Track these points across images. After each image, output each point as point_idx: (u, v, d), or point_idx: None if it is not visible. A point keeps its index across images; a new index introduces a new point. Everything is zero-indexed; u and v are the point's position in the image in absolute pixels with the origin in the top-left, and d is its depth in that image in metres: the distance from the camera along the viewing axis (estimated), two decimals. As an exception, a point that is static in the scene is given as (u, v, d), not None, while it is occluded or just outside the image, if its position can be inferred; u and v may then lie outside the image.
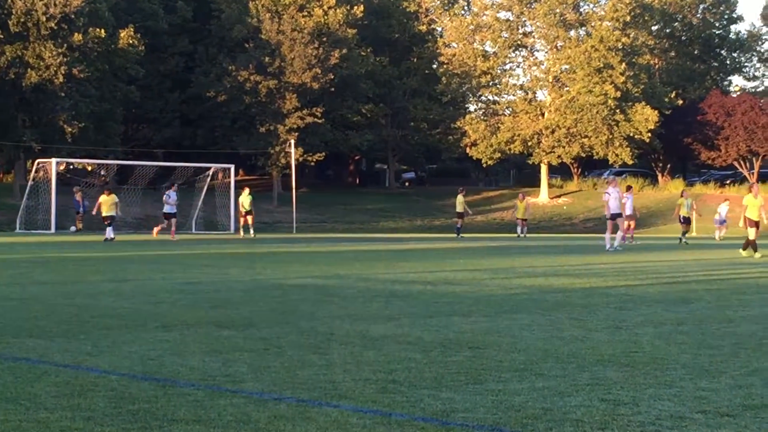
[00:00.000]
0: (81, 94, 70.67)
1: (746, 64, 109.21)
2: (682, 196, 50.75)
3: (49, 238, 48.24)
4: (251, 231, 52.30)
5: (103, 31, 71.38)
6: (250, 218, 52.56)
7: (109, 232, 44.56)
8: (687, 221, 49.27)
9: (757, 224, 34.70)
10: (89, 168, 75.13)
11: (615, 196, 38.04)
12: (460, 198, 56.91)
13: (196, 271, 25.37)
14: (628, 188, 50.20)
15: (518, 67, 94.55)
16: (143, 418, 6.95)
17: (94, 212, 49.74)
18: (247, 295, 17.75)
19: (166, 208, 48.84)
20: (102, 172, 68.45)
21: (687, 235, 49.57)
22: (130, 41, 76.06)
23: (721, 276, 25.03)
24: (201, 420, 6.87)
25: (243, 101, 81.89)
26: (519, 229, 58.54)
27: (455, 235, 55.81)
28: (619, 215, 38.72)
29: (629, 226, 46.53)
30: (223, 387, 8.13)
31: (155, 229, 50.11)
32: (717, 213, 58.79)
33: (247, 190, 56.22)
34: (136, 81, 79.37)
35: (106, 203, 46.52)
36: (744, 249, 34.28)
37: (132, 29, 76.29)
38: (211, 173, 69.43)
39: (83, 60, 70.74)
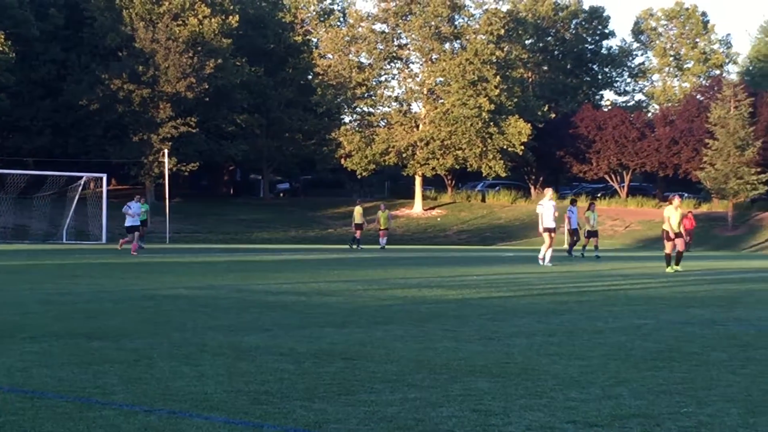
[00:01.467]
0: (-52, 101, 69.66)
1: (617, 78, 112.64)
2: (589, 209, 48.59)
3: None
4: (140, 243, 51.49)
5: (-29, 38, 70.62)
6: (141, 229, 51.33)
7: None
8: (593, 234, 47.59)
9: (678, 235, 34.71)
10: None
11: (549, 209, 37.05)
12: (358, 209, 57.32)
13: (66, 281, 24.75)
14: (573, 202, 50.82)
15: (393, 78, 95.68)
16: (10, 431, 6.81)
17: None
18: (118, 305, 17.54)
19: (128, 221, 46.01)
20: None
21: (585, 247, 49.11)
22: (0, 48, 74.78)
23: (591, 288, 25.59)
24: (70, 432, 6.77)
25: (116, 110, 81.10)
26: (381, 240, 59.26)
27: (354, 246, 56.18)
28: (554, 229, 37.36)
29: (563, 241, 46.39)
30: (92, 399, 8.00)
31: (121, 241, 47.75)
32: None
33: (141, 201, 53.85)
34: (7, 89, 77.97)
35: None
36: (676, 264, 34.06)
37: (2, 36, 75.03)
38: (82, 183, 68.16)
39: (-49, 66, 69.88)
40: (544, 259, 35.96)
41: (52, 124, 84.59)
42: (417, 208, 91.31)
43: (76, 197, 67.25)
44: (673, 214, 34.38)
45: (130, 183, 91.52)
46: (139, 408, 7.66)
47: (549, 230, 36.56)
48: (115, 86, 78.97)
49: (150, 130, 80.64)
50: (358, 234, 57.63)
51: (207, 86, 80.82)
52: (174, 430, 6.93)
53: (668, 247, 34.62)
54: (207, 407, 7.73)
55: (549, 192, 39.61)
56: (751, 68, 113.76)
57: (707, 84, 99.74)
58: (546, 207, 36.83)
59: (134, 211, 45.75)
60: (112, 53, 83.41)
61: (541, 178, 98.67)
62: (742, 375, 10.33)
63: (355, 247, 55.77)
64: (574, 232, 45.79)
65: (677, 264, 33.77)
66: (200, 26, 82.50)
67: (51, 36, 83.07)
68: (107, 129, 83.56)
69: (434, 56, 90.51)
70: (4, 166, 73.94)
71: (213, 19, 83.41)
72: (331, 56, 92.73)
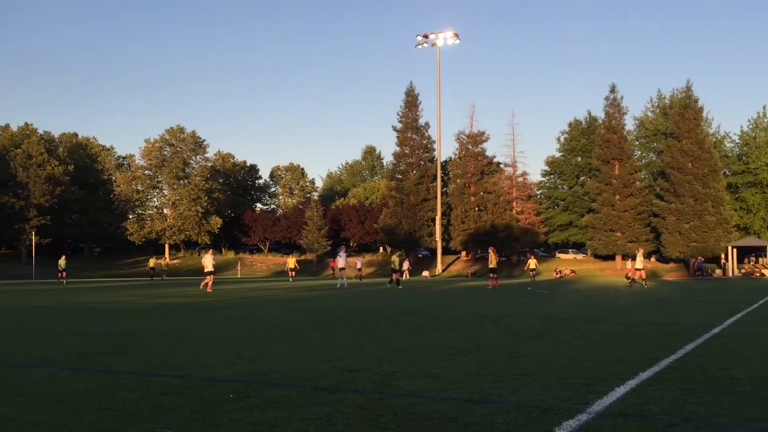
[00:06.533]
0: None
1: (263, 198, 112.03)
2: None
3: None
4: None
5: None
6: None
7: None
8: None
9: (396, 271, 33.21)
10: None
11: (343, 257, 32.84)
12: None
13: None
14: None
15: (155, 197, 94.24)
16: None
17: None
18: None
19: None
20: None
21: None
22: None
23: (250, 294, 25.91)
24: None
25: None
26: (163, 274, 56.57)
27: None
28: (343, 268, 32.82)
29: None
30: None
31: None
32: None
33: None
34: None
35: None
36: (399, 285, 32.44)
37: None
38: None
39: None
40: (343, 284, 32.12)
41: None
42: (168, 259, 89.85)
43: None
44: (396, 260, 33.22)
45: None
46: None
47: (342, 269, 32.56)
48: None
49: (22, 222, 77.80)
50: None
51: (56, 200, 78.26)
52: None
53: (395, 276, 33.02)
54: None
55: (342, 248, 34.58)
56: (324, 193, 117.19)
57: (304, 201, 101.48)
58: (341, 257, 32.87)
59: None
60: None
61: (227, 244, 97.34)
62: (319, 333, 11.08)
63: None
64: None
65: (399, 285, 32.39)
66: (53, 171, 79.92)
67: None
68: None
69: (175, 186, 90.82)
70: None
71: (59, 167, 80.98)
72: (122, 186, 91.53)
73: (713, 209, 66.70)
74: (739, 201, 73.77)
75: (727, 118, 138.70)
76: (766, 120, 75.85)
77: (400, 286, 32.38)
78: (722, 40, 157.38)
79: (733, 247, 65.27)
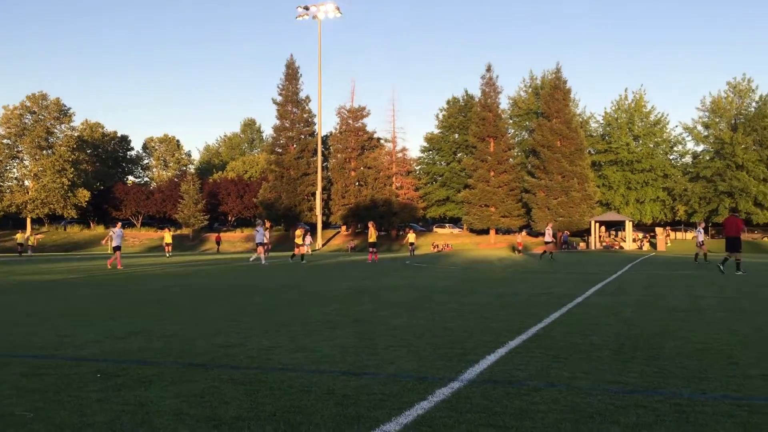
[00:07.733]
0: None
1: (135, 170, 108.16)
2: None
3: None
4: None
5: None
6: None
7: None
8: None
9: (299, 246, 32.25)
10: None
11: (261, 233, 30.34)
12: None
13: None
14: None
15: (14, 168, 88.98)
16: None
17: None
18: None
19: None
20: None
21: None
22: None
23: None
24: None
25: None
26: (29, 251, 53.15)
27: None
28: (262, 243, 30.09)
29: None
30: None
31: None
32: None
33: None
34: None
35: None
36: (302, 260, 32.01)
37: None
38: None
39: None
40: (259, 259, 31.03)
41: None
42: (32, 233, 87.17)
43: None
44: (299, 235, 32.12)
45: None
46: None
47: (260, 244, 30.29)
48: None
49: None
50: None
51: None
52: None
53: (301, 249, 32.51)
54: None
55: (260, 223, 31.83)
56: (201, 166, 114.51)
57: (179, 174, 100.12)
58: (260, 232, 30.43)
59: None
60: None
61: (96, 218, 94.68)
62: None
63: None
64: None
65: (303, 260, 32.04)
66: None
67: None
68: None
69: (37, 156, 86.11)
70: None
71: None
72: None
73: (579, 186, 70.64)
74: (602, 178, 78.53)
75: (592, 100, 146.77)
76: (627, 102, 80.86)
77: (304, 261, 32.31)
78: (588, 24, 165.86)
79: (596, 222, 69.45)
